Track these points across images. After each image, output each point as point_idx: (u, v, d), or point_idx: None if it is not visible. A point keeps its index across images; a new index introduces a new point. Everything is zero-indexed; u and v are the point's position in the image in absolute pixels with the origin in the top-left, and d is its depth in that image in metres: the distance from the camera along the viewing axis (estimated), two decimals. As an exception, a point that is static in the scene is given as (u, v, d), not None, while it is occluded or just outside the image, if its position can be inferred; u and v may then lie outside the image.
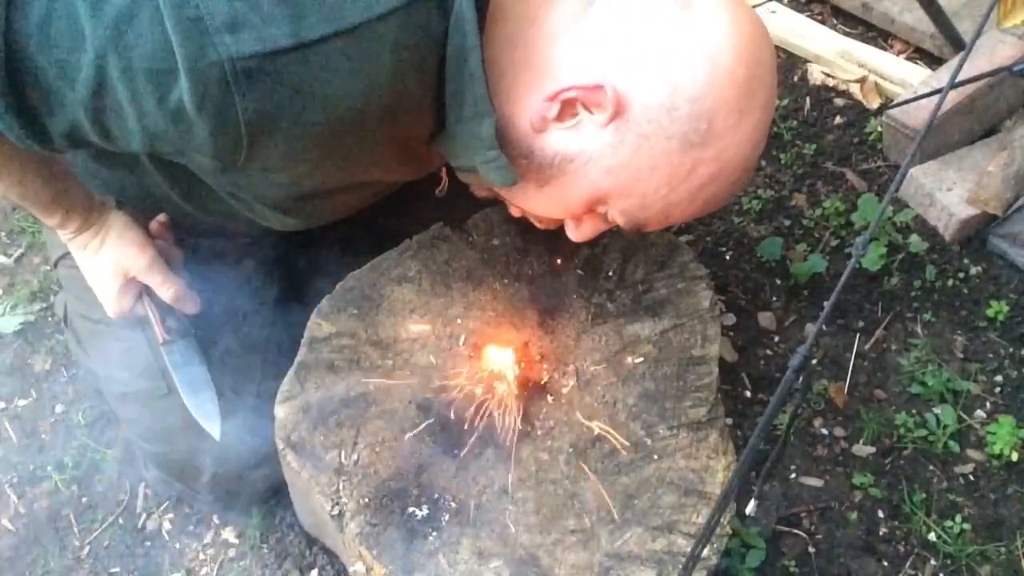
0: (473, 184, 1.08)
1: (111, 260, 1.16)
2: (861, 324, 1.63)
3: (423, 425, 1.08)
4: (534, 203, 0.99)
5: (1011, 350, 1.57)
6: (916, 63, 2.00)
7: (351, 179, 1.04)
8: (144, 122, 0.82)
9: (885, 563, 1.36)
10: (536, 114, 0.88)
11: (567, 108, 0.87)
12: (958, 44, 1.81)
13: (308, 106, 0.82)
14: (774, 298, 1.68)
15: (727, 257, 1.74)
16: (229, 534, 1.45)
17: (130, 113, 0.81)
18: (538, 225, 1.08)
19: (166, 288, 1.18)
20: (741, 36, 0.85)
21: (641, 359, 1.14)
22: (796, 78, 2.04)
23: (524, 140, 0.91)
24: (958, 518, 1.39)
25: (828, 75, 2.01)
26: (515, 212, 1.07)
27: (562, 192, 0.94)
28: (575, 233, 1.02)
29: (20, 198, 1.06)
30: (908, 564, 1.36)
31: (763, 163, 1.89)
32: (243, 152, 0.85)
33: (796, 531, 1.40)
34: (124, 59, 0.77)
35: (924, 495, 1.42)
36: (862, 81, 1.96)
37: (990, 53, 1.74)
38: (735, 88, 0.85)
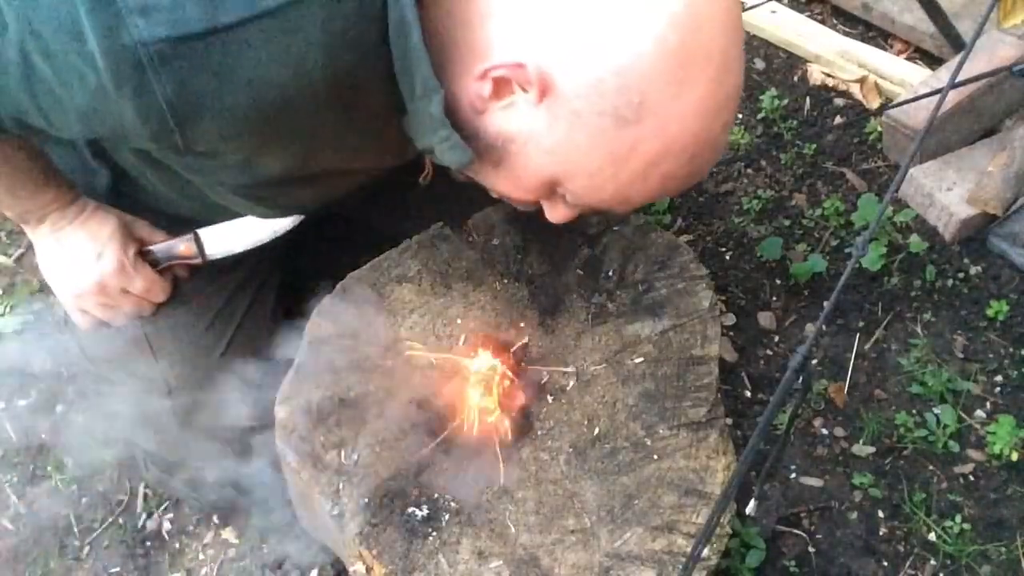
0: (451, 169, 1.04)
1: (113, 223, 1.15)
2: (861, 324, 1.63)
3: (423, 425, 1.08)
4: (495, 183, 0.96)
5: (1011, 350, 1.57)
6: (916, 63, 2.00)
7: (315, 165, 1.01)
8: (75, 103, 0.81)
9: (885, 563, 1.36)
10: (473, 93, 0.85)
11: (503, 87, 0.84)
12: (958, 44, 1.81)
13: (230, 89, 0.79)
14: (774, 298, 1.68)
15: (727, 257, 1.74)
16: (229, 534, 1.45)
17: (62, 95, 0.81)
18: (518, 207, 1.04)
19: (168, 237, 1.19)
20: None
21: (641, 359, 1.14)
22: (796, 78, 2.04)
23: (470, 120, 0.88)
24: (958, 518, 1.39)
25: (828, 75, 2.01)
26: (493, 192, 1.03)
27: (515, 174, 0.90)
28: (549, 214, 0.98)
29: (8, 190, 1.07)
30: (908, 564, 1.36)
31: (763, 163, 1.89)
32: (178, 135, 0.83)
33: (796, 531, 1.40)
34: (41, 41, 0.76)
35: (924, 495, 1.42)
36: (862, 81, 1.96)
37: (990, 53, 1.74)
38: (668, 57, 0.77)
